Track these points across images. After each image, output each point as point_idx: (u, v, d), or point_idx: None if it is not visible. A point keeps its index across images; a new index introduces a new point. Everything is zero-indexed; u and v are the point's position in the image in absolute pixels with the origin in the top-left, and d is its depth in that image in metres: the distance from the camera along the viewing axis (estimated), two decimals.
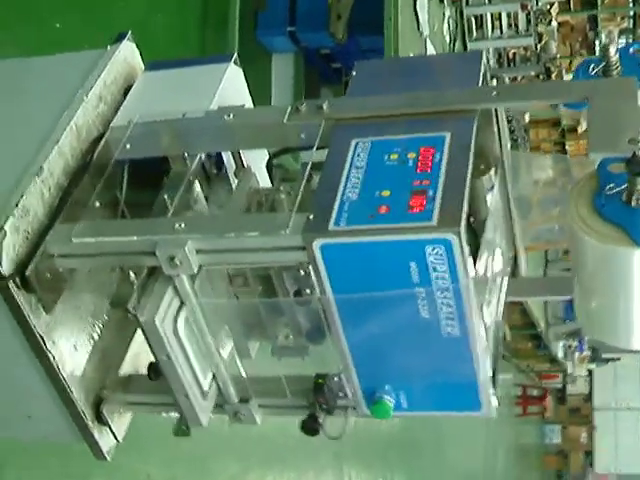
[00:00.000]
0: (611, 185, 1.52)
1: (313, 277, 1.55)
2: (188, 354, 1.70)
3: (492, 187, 1.84)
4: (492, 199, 1.84)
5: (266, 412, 1.83)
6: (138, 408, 1.92)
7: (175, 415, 1.81)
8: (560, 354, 13.82)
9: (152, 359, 1.73)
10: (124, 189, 1.85)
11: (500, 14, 6.63)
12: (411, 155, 1.60)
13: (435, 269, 1.49)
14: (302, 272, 1.60)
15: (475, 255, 1.69)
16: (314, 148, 1.70)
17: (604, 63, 1.70)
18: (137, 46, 2.07)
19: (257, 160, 1.93)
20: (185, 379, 1.71)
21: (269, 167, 1.87)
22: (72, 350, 1.80)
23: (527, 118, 8.43)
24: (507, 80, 7.32)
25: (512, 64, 7.54)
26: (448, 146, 1.60)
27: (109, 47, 2.02)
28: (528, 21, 6.74)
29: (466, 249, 1.46)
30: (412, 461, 9.07)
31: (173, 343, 1.65)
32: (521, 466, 17.24)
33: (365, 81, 1.83)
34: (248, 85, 2.03)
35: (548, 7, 7.32)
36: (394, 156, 1.61)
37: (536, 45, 7.03)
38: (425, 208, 1.49)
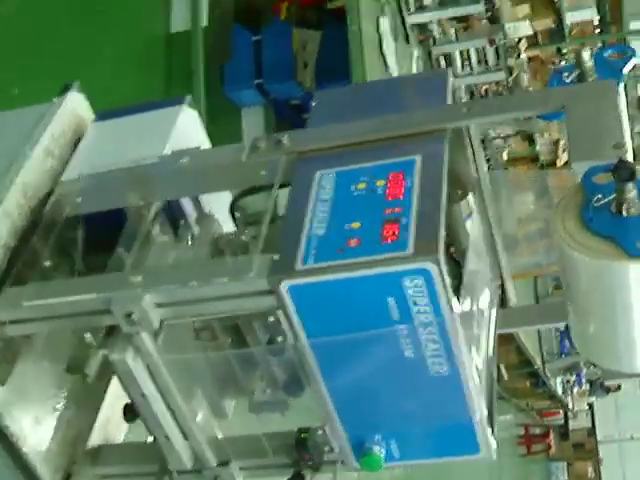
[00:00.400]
0: (598, 196, 1.40)
1: (284, 322, 1.42)
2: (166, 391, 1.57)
3: (470, 213, 1.72)
4: (472, 226, 1.72)
5: (248, 474, 1.69)
6: None
7: None
8: (559, 390, 13.65)
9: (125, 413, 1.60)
10: (79, 246, 1.73)
11: (469, 51, 6.56)
12: (380, 183, 1.48)
13: (415, 303, 1.36)
14: (272, 319, 1.46)
15: (459, 286, 1.56)
16: (275, 186, 1.58)
17: (578, 70, 1.60)
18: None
19: (219, 205, 1.80)
20: (164, 419, 1.57)
21: (232, 211, 1.75)
22: (34, 424, 1.66)
23: (505, 156, 8.36)
24: None
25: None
26: (419, 170, 1.48)
27: (55, 100, 1.91)
28: (497, 56, 6.67)
29: (447, 278, 1.34)
30: None
31: (147, 380, 1.52)
32: None
33: (326, 111, 1.72)
34: (218, 140, 1.91)
35: (516, 41, 7.27)
36: (362, 185, 1.49)
37: (507, 79, 6.96)
38: (399, 237, 1.37)
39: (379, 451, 1.56)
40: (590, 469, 18.87)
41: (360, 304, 1.38)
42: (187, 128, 1.83)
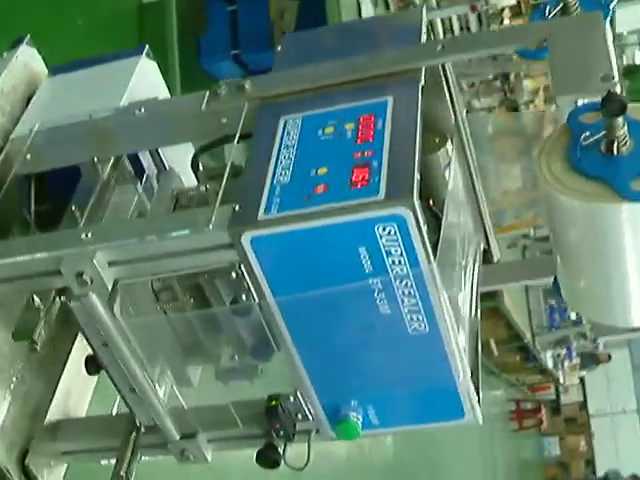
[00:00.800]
0: (586, 134, 1.28)
1: (247, 279, 1.30)
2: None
3: (449, 163, 1.60)
4: (451, 176, 1.60)
5: (217, 447, 1.57)
6: (72, 457, 1.65)
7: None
8: (550, 364, 13.58)
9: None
10: (31, 206, 1.61)
11: (450, 18, 6.43)
12: (349, 126, 1.36)
13: (389, 253, 1.25)
14: (235, 275, 1.34)
15: (437, 240, 1.45)
16: (237, 135, 1.46)
17: (562, 4, 1.48)
18: None
19: (181, 159, 1.68)
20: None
21: (194, 165, 1.62)
22: None
23: (490, 130, 8.24)
24: (465, 86, 7.12)
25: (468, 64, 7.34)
26: (391, 111, 1.36)
27: (5, 54, 1.78)
28: (480, 23, 6.54)
29: (423, 226, 1.23)
30: None
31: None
32: None
33: (292, 54, 1.60)
34: None
35: (500, 9, 7.14)
36: (329, 129, 1.37)
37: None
38: (370, 182, 1.25)
39: (356, 418, 1.45)
40: (582, 443, 18.88)
41: (329, 256, 1.27)
42: (146, 79, 1.71)
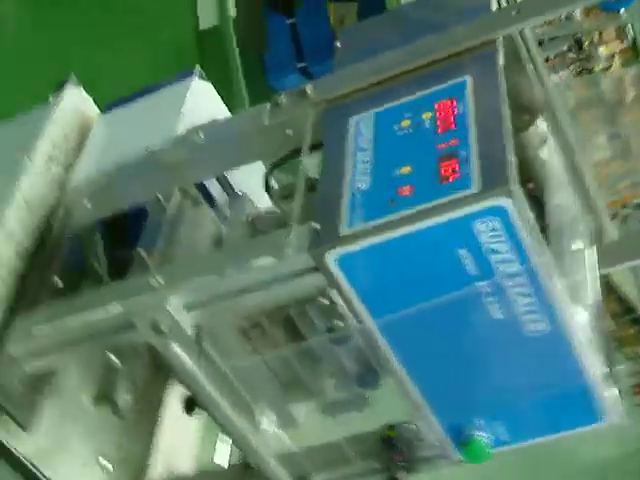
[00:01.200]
0: None
1: (341, 303, 1.16)
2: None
3: (545, 140, 1.44)
4: (548, 155, 1.44)
5: None
6: None
7: None
8: None
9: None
10: (100, 258, 1.49)
11: None
12: (427, 115, 1.21)
13: (494, 251, 1.09)
14: (327, 301, 1.20)
15: (543, 227, 1.29)
16: (306, 143, 1.32)
17: None
18: None
19: (252, 181, 1.55)
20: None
21: (267, 185, 1.49)
22: (82, 470, 1.43)
23: (572, 103, 7.99)
24: None
25: (540, 44, 7.12)
26: (471, 92, 1.21)
27: (50, 98, 1.67)
28: None
29: (529, 214, 1.07)
30: None
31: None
32: None
33: (353, 48, 1.46)
34: None
35: None
36: (406, 123, 1.22)
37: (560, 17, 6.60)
38: (460, 174, 1.10)
39: (483, 437, 1.29)
40: None
41: (427, 264, 1.12)
42: (201, 102, 1.59)
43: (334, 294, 1.16)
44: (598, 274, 1.45)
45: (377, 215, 1.10)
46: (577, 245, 1.41)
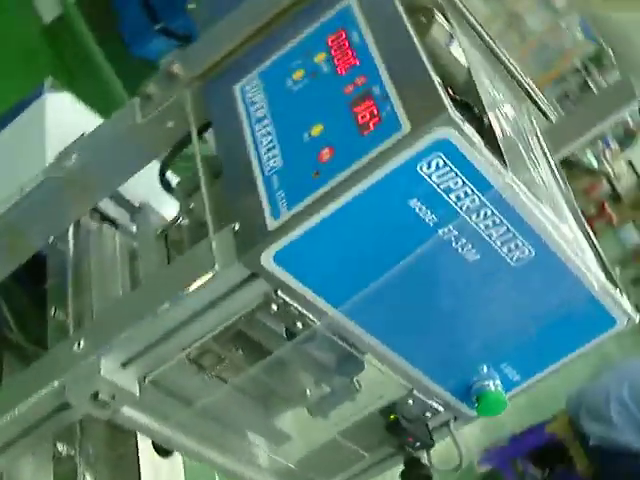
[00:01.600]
0: None
1: (292, 303, 0.98)
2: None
3: (451, 37, 1.26)
4: (460, 51, 1.25)
5: None
6: None
7: None
8: (594, 162, 13.23)
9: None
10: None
11: None
12: (320, 58, 1.03)
13: (449, 189, 0.92)
14: (275, 306, 1.01)
15: (482, 134, 1.11)
16: (194, 130, 1.12)
17: None
18: None
19: (150, 188, 1.35)
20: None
21: (166, 186, 1.29)
22: None
23: None
24: None
25: None
26: (360, 13, 1.02)
27: None
28: None
29: (473, 134, 0.90)
30: None
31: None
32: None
33: (210, 4, 1.26)
34: None
35: None
36: (298, 74, 1.03)
37: None
38: (381, 116, 0.92)
39: (493, 385, 1.13)
40: None
41: (377, 230, 0.94)
42: (62, 117, 1.38)
43: (283, 295, 0.98)
44: (555, 162, 1.29)
45: (303, 195, 0.92)
46: (525, 141, 1.24)
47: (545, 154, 1.30)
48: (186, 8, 1.32)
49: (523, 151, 1.19)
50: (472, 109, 1.13)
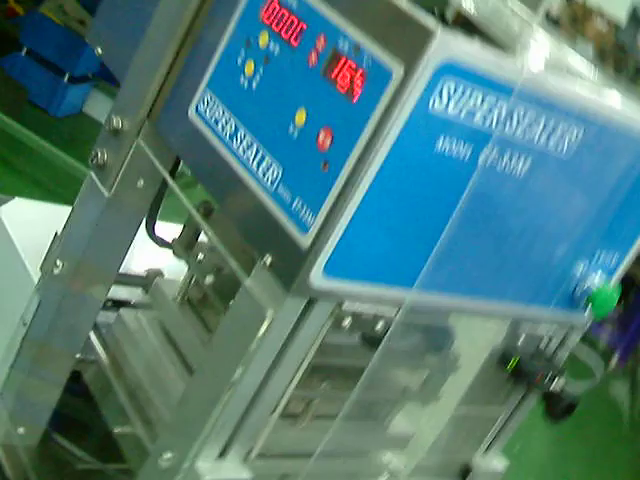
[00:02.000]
0: None
1: (364, 309, 0.85)
2: None
3: None
4: None
5: None
6: None
7: None
8: None
9: None
10: None
11: None
12: (264, 39, 0.89)
13: (470, 112, 0.79)
14: (347, 321, 0.87)
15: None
16: (166, 174, 0.99)
17: None
18: None
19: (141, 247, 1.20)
20: None
21: (166, 244, 1.15)
22: None
23: None
24: None
25: None
26: None
27: None
28: None
29: (473, 43, 0.77)
30: None
31: None
32: None
33: (119, 43, 1.12)
34: None
35: None
36: (249, 67, 0.90)
37: None
38: (365, 70, 0.78)
39: (600, 278, 1.01)
40: None
41: (419, 191, 0.81)
42: (25, 224, 1.25)
43: (350, 306, 0.85)
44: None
45: (322, 193, 0.79)
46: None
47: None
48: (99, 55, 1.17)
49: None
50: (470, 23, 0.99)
